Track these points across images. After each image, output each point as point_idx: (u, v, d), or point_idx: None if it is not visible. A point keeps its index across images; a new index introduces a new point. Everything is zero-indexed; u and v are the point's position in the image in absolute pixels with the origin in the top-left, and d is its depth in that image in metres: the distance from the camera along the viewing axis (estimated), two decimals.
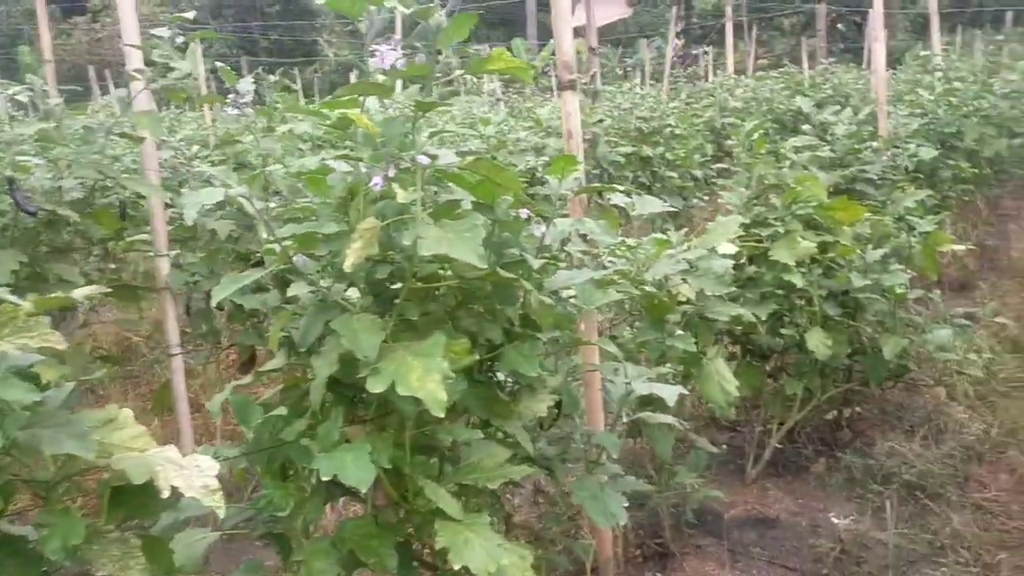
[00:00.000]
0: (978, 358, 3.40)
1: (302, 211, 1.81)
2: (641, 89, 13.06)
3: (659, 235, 2.78)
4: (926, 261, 3.63)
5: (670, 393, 1.90)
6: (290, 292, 1.74)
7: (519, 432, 1.82)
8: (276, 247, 1.68)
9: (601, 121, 5.79)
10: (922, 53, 7.63)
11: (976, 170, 6.28)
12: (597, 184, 5.05)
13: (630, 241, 2.44)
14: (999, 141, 7.03)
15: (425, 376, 1.51)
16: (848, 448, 3.67)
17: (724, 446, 3.85)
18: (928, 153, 4.86)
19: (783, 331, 3.31)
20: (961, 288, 6.35)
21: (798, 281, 3.24)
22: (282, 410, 1.68)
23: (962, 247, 3.67)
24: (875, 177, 4.38)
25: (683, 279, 2.68)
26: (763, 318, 3.21)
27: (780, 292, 3.31)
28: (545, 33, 26.87)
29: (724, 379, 2.70)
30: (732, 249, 3.31)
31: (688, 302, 2.87)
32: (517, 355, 1.77)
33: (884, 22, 5.22)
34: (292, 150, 3.51)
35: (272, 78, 3.73)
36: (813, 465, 3.56)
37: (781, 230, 3.37)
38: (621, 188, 2.28)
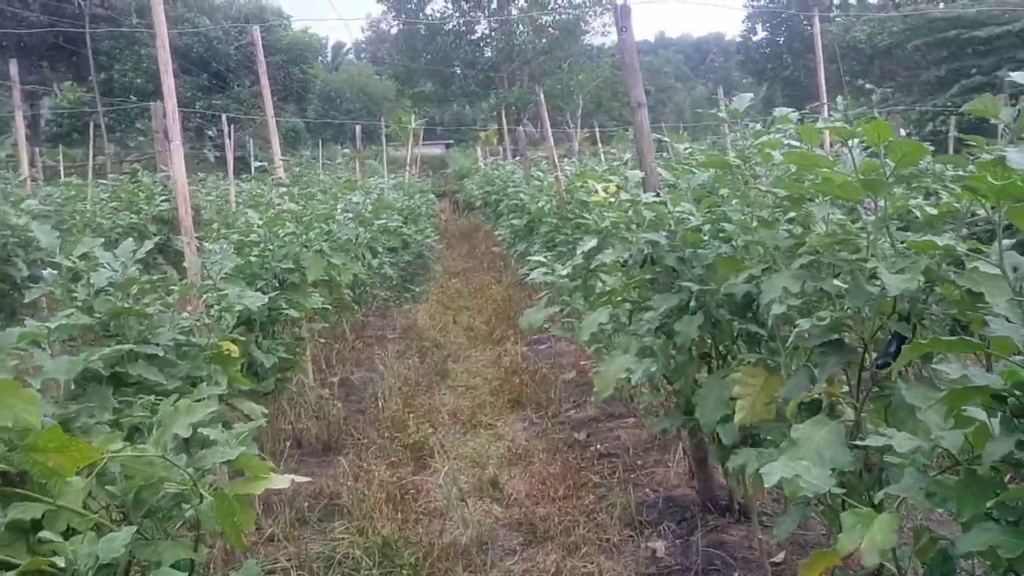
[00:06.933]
0: None
1: None
2: None
3: None
4: (223, 523, 2.05)
5: None
6: None
7: None
8: None
9: None
10: (256, 165, 6.51)
11: (326, 305, 5.20)
12: None
13: None
14: (355, 265, 6.18)
15: None
16: None
17: None
18: (255, 300, 3.46)
19: None
20: (325, 450, 5.10)
21: None
22: None
23: (287, 481, 2.20)
24: (163, 352, 2.75)
25: None
26: None
27: None
28: None
29: None
30: None
31: None
32: None
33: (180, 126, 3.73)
34: None
35: None
36: None
37: None
38: None
